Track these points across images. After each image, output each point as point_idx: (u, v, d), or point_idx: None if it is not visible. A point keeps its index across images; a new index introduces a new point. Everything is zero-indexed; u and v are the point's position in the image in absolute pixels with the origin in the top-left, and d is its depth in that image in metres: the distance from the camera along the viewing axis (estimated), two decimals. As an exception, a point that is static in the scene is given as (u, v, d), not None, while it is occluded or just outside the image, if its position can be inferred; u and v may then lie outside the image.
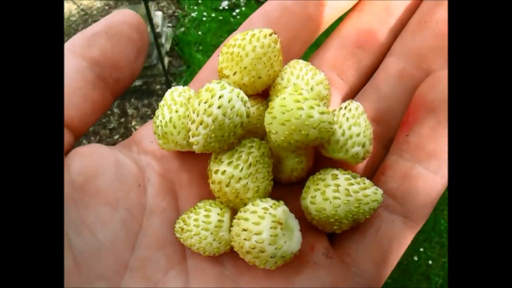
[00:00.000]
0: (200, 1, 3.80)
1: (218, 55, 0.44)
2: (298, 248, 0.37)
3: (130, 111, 2.95)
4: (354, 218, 0.38)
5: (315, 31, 0.46)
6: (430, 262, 1.98)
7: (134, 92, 3.05)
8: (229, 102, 0.37)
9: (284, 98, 0.37)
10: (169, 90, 0.42)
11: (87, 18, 3.65)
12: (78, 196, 0.38)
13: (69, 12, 3.71)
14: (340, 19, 0.49)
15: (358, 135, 0.39)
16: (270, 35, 0.40)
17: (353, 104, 0.40)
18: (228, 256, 0.40)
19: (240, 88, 0.40)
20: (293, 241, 0.37)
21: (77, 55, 0.41)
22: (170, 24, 3.52)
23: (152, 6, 2.75)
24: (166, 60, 3.19)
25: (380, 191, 0.38)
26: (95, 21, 3.67)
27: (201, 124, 0.37)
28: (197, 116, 0.37)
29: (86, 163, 0.39)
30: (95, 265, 0.36)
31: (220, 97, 0.36)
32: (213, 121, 0.36)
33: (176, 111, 0.40)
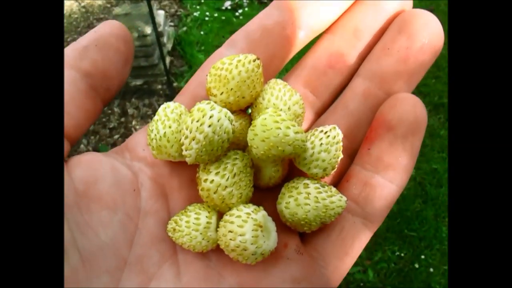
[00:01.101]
0: (202, 1, 3.79)
1: (203, 73, 0.50)
2: (274, 246, 0.45)
3: (130, 110, 2.95)
4: (321, 220, 0.46)
5: (291, 51, 0.52)
6: (431, 269, 2.02)
7: (135, 92, 3.04)
8: (218, 121, 0.43)
9: (265, 118, 0.44)
10: (162, 106, 0.48)
11: (88, 15, 3.59)
12: (81, 201, 0.43)
13: (70, 9, 3.62)
14: (314, 41, 0.55)
15: (323, 160, 0.46)
16: (254, 60, 0.46)
17: (334, 132, 0.47)
18: (213, 252, 0.47)
19: (226, 105, 0.47)
20: (270, 240, 0.44)
21: (70, 67, 0.45)
22: (172, 24, 3.50)
23: (154, 5, 2.65)
24: (168, 59, 3.16)
25: (344, 198, 0.46)
26: (96, 19, 3.58)
27: (193, 140, 0.43)
28: (190, 132, 0.43)
29: (86, 170, 0.44)
30: (99, 261, 0.42)
31: (210, 116, 0.43)
32: (204, 138, 0.43)
33: (170, 127, 0.46)
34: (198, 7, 3.83)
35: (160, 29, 2.99)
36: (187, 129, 0.44)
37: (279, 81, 0.50)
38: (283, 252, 0.47)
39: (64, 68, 0.45)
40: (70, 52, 0.46)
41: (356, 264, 2.01)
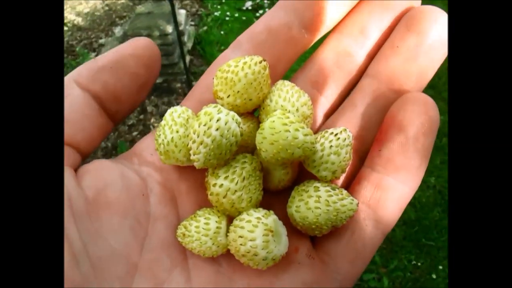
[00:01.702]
0: (223, 1, 3.86)
1: (210, 76, 0.50)
2: (285, 250, 0.44)
3: (149, 108, 2.99)
4: (333, 224, 0.45)
5: (298, 51, 0.52)
6: (449, 280, 1.99)
7: (154, 90, 3.09)
8: (225, 124, 0.43)
9: (273, 121, 0.44)
10: (169, 111, 0.48)
11: (111, 13, 3.68)
12: (91, 209, 0.43)
13: (94, 7, 3.72)
14: (321, 41, 0.55)
15: (333, 163, 0.46)
16: (260, 62, 0.46)
17: (344, 134, 0.47)
18: (224, 256, 0.47)
19: (233, 108, 0.47)
20: (281, 245, 0.44)
21: (82, 87, 0.46)
22: (193, 23, 3.57)
23: (176, 4, 2.70)
24: (188, 58, 3.19)
25: (355, 201, 0.46)
26: (119, 17, 3.61)
27: (201, 144, 0.43)
28: (198, 137, 0.43)
29: (95, 178, 0.45)
30: (110, 268, 0.42)
31: (217, 120, 0.43)
32: (212, 141, 0.43)
33: (177, 131, 0.47)
34: (219, 6, 3.89)
35: (181, 28, 3.05)
36: (194, 133, 0.44)
37: (286, 82, 0.50)
38: (294, 256, 0.47)
39: (76, 87, 0.46)
40: (85, 71, 0.46)
41: (371, 271, 1.99)
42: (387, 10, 0.52)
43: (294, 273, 0.46)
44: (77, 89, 0.46)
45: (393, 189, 0.48)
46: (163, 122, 0.48)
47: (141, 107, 3.01)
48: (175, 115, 0.48)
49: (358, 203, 0.47)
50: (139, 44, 0.47)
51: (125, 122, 2.94)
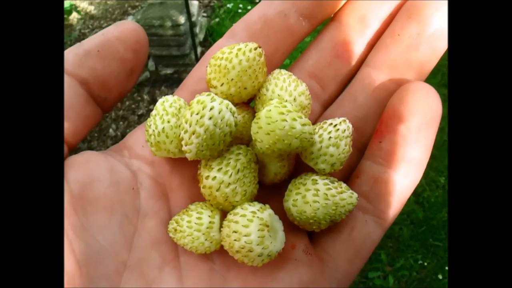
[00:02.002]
0: None
1: (203, 66, 0.48)
2: (281, 246, 0.43)
3: (159, 98, 3.06)
4: (331, 219, 0.44)
5: (295, 41, 0.51)
6: (455, 282, 1.98)
7: (164, 81, 3.07)
8: (219, 113, 0.41)
9: (270, 110, 0.42)
10: (160, 100, 0.46)
11: (124, 2, 3.71)
12: (77, 204, 0.41)
13: None
14: (318, 30, 0.54)
15: (331, 155, 0.44)
16: (255, 49, 0.44)
17: (344, 125, 0.45)
18: (217, 253, 0.45)
19: (227, 98, 0.45)
20: (277, 240, 0.42)
21: (68, 73, 0.43)
22: (205, 14, 3.58)
23: None
24: (199, 50, 3.19)
25: (355, 195, 0.44)
26: (131, 6, 3.62)
27: (193, 134, 0.41)
28: (190, 126, 0.41)
29: (81, 171, 0.43)
30: (97, 266, 0.40)
31: (211, 108, 0.41)
32: (205, 131, 0.41)
33: (168, 121, 0.45)
34: None
35: (193, 19, 3.04)
36: (186, 122, 0.42)
37: (283, 71, 0.48)
38: (291, 253, 0.45)
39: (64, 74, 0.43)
40: (71, 56, 0.44)
41: (376, 269, 1.98)
42: None
43: (291, 271, 0.44)
44: (65, 76, 0.44)
45: (393, 182, 0.46)
46: (153, 112, 0.46)
47: (151, 97, 3.01)
48: (167, 104, 0.46)
49: (358, 197, 0.45)
50: (126, 28, 0.45)
51: (135, 112, 2.94)
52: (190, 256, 0.45)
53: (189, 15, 2.67)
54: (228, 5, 3.78)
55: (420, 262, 2.04)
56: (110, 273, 0.41)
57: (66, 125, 0.43)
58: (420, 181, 2.12)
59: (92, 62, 0.44)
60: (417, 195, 2.19)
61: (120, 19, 3.52)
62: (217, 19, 3.65)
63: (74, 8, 2.60)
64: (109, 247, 0.42)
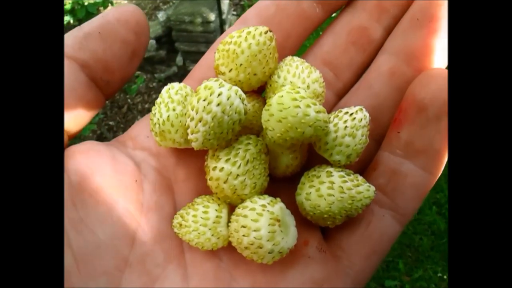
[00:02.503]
0: None
1: (213, 53, 0.46)
2: (293, 243, 0.40)
3: None
4: (347, 214, 0.41)
5: (309, 28, 0.49)
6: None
7: None
8: (228, 99, 0.39)
9: (282, 96, 0.39)
10: (166, 87, 0.44)
11: None
12: (76, 195, 0.40)
13: None
14: (333, 17, 0.52)
15: (347, 146, 0.42)
16: (266, 32, 0.42)
17: (360, 114, 0.43)
18: (224, 249, 0.43)
19: (236, 85, 0.43)
20: (289, 236, 0.40)
21: (68, 57, 0.42)
22: (235, 12, 3.63)
23: None
24: None
25: (372, 188, 0.42)
26: (163, 1, 3.66)
27: (200, 121, 0.39)
28: (196, 113, 0.39)
29: (82, 161, 0.41)
30: (96, 262, 0.39)
31: (219, 94, 0.39)
32: (212, 119, 0.39)
33: (174, 109, 0.43)
34: None
35: (223, 17, 3.07)
36: (193, 109, 0.40)
37: (295, 58, 0.46)
38: (304, 250, 0.43)
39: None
40: (70, 40, 0.43)
41: (393, 278, 1.95)
42: None
43: (303, 269, 0.42)
44: (64, 59, 0.42)
45: (412, 175, 0.44)
46: (158, 100, 0.44)
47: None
48: (172, 91, 0.44)
49: (375, 190, 0.42)
50: (125, 10, 0.44)
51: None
52: (196, 253, 0.43)
53: (220, 12, 2.72)
54: (258, 4, 3.89)
55: (439, 274, 2.00)
56: (110, 270, 0.39)
57: (66, 109, 0.41)
58: (444, 192, 2.06)
59: (93, 44, 0.43)
60: (440, 205, 2.14)
61: (152, 14, 3.63)
62: (246, 18, 3.74)
63: (110, 1, 2.66)
64: (110, 242, 0.40)
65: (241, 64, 0.43)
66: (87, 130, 2.14)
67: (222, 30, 2.85)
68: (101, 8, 2.76)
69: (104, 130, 2.76)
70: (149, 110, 2.93)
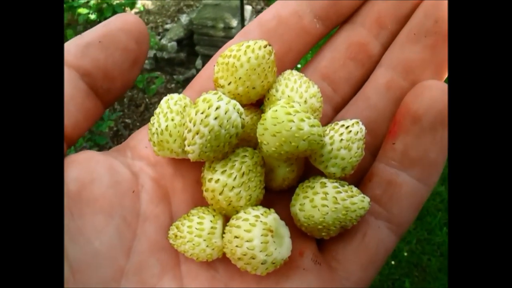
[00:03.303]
0: None
1: (214, 65, 0.47)
2: (288, 254, 0.41)
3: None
4: (341, 224, 0.42)
5: (309, 43, 0.50)
6: None
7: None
8: (225, 113, 0.40)
9: (276, 110, 0.40)
10: (165, 98, 0.46)
11: (180, 1, 3.97)
12: (73, 204, 0.40)
13: None
14: (333, 33, 0.53)
15: (342, 159, 0.43)
16: (265, 46, 0.43)
17: (357, 127, 0.43)
18: (220, 261, 0.44)
19: (235, 98, 0.44)
20: (283, 247, 0.41)
21: (69, 65, 0.43)
22: None
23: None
24: None
25: (367, 199, 0.42)
26: (186, 5, 3.83)
27: (197, 133, 0.40)
28: (194, 125, 0.41)
29: (80, 170, 0.42)
30: (92, 272, 0.39)
31: (217, 108, 0.40)
32: (209, 132, 0.40)
33: (172, 120, 0.44)
34: None
35: (245, 23, 3.15)
36: (190, 121, 0.41)
37: (294, 72, 0.47)
38: (298, 261, 0.44)
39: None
40: (72, 48, 0.44)
41: (400, 299, 1.91)
42: None
43: (298, 281, 0.43)
44: (65, 67, 0.43)
45: (408, 186, 0.45)
46: (157, 110, 0.46)
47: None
48: (171, 102, 0.45)
49: (370, 201, 0.43)
50: (127, 19, 0.45)
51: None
52: (191, 264, 0.44)
53: (242, 18, 2.76)
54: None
55: (446, 297, 1.95)
56: (106, 280, 0.40)
57: (65, 117, 0.42)
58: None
59: (94, 52, 0.44)
60: (451, 227, 2.10)
61: (175, 17, 3.73)
62: (267, 26, 3.78)
63: (135, 1, 2.71)
64: (106, 252, 0.40)
65: (240, 78, 0.44)
66: (105, 126, 2.17)
67: None
68: (127, 9, 2.81)
69: (120, 127, 2.81)
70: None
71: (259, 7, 3.93)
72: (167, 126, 0.44)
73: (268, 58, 0.44)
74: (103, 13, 2.50)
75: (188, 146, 0.42)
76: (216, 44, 3.12)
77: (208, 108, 0.40)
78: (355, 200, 0.42)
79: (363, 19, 0.51)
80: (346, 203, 0.41)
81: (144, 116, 2.99)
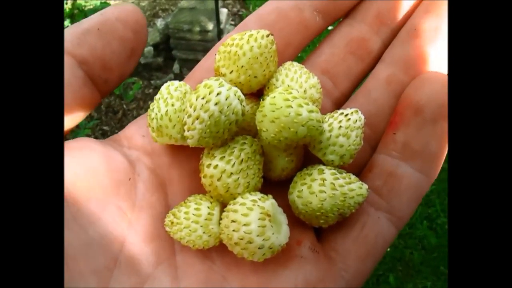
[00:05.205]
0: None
1: (215, 54, 0.48)
2: (285, 241, 0.42)
3: None
4: (339, 212, 0.43)
5: (308, 36, 0.52)
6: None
7: None
8: (226, 99, 0.41)
9: (274, 97, 0.42)
10: (165, 84, 0.47)
11: (155, 5, 3.91)
12: (67, 192, 0.40)
13: None
14: (333, 25, 0.55)
15: (341, 146, 0.44)
16: (267, 36, 0.45)
17: (356, 115, 0.45)
18: (216, 250, 0.44)
19: (236, 86, 0.45)
20: (281, 234, 0.42)
21: (66, 52, 0.43)
22: (233, 22, 3.76)
23: (218, 2, 2.93)
24: None
25: (365, 186, 0.44)
26: (162, 9, 3.85)
27: (197, 119, 0.41)
28: (194, 111, 0.42)
29: (75, 158, 0.42)
30: (85, 260, 0.39)
31: (218, 94, 0.41)
32: (209, 117, 0.41)
33: (172, 105, 0.45)
34: None
35: (221, 26, 3.19)
36: (191, 106, 0.43)
37: (295, 63, 0.49)
38: (296, 250, 0.44)
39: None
40: (69, 35, 0.44)
41: (384, 292, 1.94)
42: None
43: (296, 269, 0.43)
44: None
45: (408, 177, 0.45)
46: (157, 96, 0.47)
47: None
48: (172, 88, 0.47)
49: (369, 189, 0.44)
50: (125, 9, 0.46)
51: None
52: (187, 254, 0.44)
53: (218, 22, 2.82)
54: (257, 15, 3.95)
55: (429, 289, 2.00)
56: (99, 268, 0.40)
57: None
58: (435, 206, 2.06)
59: (92, 40, 0.44)
60: (431, 220, 2.17)
61: (150, 21, 3.79)
62: (244, 28, 3.80)
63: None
64: (100, 240, 0.41)
65: (242, 66, 0.45)
66: (82, 134, 2.16)
67: (219, 40, 2.89)
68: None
69: (98, 135, 2.79)
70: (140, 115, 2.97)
71: (235, 9, 3.96)
72: (167, 111, 0.45)
73: (270, 48, 0.46)
74: (75, 19, 2.49)
75: (188, 131, 0.43)
76: (193, 48, 3.17)
77: (209, 93, 0.42)
78: (353, 186, 0.43)
79: (363, 15, 0.52)
80: (344, 189, 0.43)
81: (122, 122, 2.99)
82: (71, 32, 0.44)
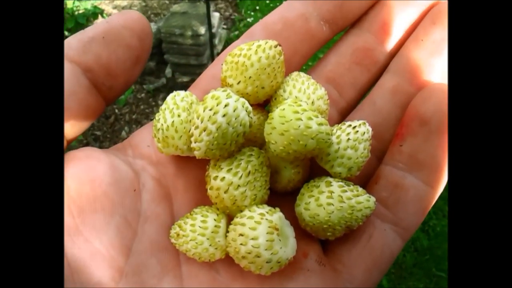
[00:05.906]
0: (257, 8, 4.09)
1: (222, 64, 0.48)
2: (292, 254, 0.42)
3: None
4: (347, 224, 0.44)
5: (315, 46, 0.52)
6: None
7: (180, 88, 3.31)
8: (234, 111, 0.41)
9: (284, 109, 0.42)
10: (171, 95, 0.47)
11: (147, 9, 3.95)
12: (73, 203, 0.41)
13: (132, 2, 4.04)
14: (339, 37, 0.55)
15: (349, 158, 0.44)
16: (275, 46, 0.45)
17: (363, 128, 0.45)
18: (222, 262, 0.44)
19: (243, 97, 0.45)
20: (288, 247, 0.42)
21: (71, 60, 0.43)
22: (225, 26, 3.79)
23: (210, 6, 2.96)
24: None
25: (372, 199, 0.44)
26: (154, 13, 3.91)
27: (204, 130, 0.41)
28: (201, 122, 0.42)
29: (81, 168, 0.42)
30: (90, 271, 0.39)
31: (225, 105, 0.41)
32: (217, 129, 0.41)
33: (179, 116, 0.45)
34: (252, 13, 4.09)
35: (213, 30, 3.22)
36: (198, 118, 0.43)
37: (302, 73, 0.50)
38: (303, 262, 0.45)
39: (65, 61, 0.43)
40: (74, 43, 0.44)
41: (376, 294, 1.95)
42: (412, 6, 0.52)
43: (302, 282, 0.43)
44: (65, 62, 0.43)
45: (415, 189, 0.46)
46: (163, 106, 0.47)
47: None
48: (178, 98, 0.47)
49: (376, 201, 0.45)
50: (130, 16, 0.46)
51: (149, 116, 3.13)
52: (192, 265, 0.44)
53: (210, 26, 2.82)
54: (249, 19, 3.99)
55: (422, 291, 2.02)
56: (105, 280, 0.40)
57: (66, 114, 0.43)
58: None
59: (97, 48, 0.44)
60: (423, 222, 2.21)
61: None
62: (236, 32, 3.84)
63: (101, 12, 2.69)
64: (105, 252, 0.41)
65: (250, 77, 0.45)
66: (74, 140, 2.13)
67: (211, 44, 2.99)
68: (91, 19, 2.79)
69: (90, 140, 2.79)
70: (136, 121, 3.01)
71: (227, 13, 3.99)
72: (173, 122, 0.45)
73: (278, 58, 0.46)
74: (65, 24, 2.48)
75: (195, 143, 0.43)
76: (185, 52, 3.20)
77: (217, 105, 0.42)
78: (360, 199, 0.43)
79: (369, 25, 0.53)
80: (352, 202, 0.43)
81: (114, 127, 3.01)
82: (76, 39, 0.44)
